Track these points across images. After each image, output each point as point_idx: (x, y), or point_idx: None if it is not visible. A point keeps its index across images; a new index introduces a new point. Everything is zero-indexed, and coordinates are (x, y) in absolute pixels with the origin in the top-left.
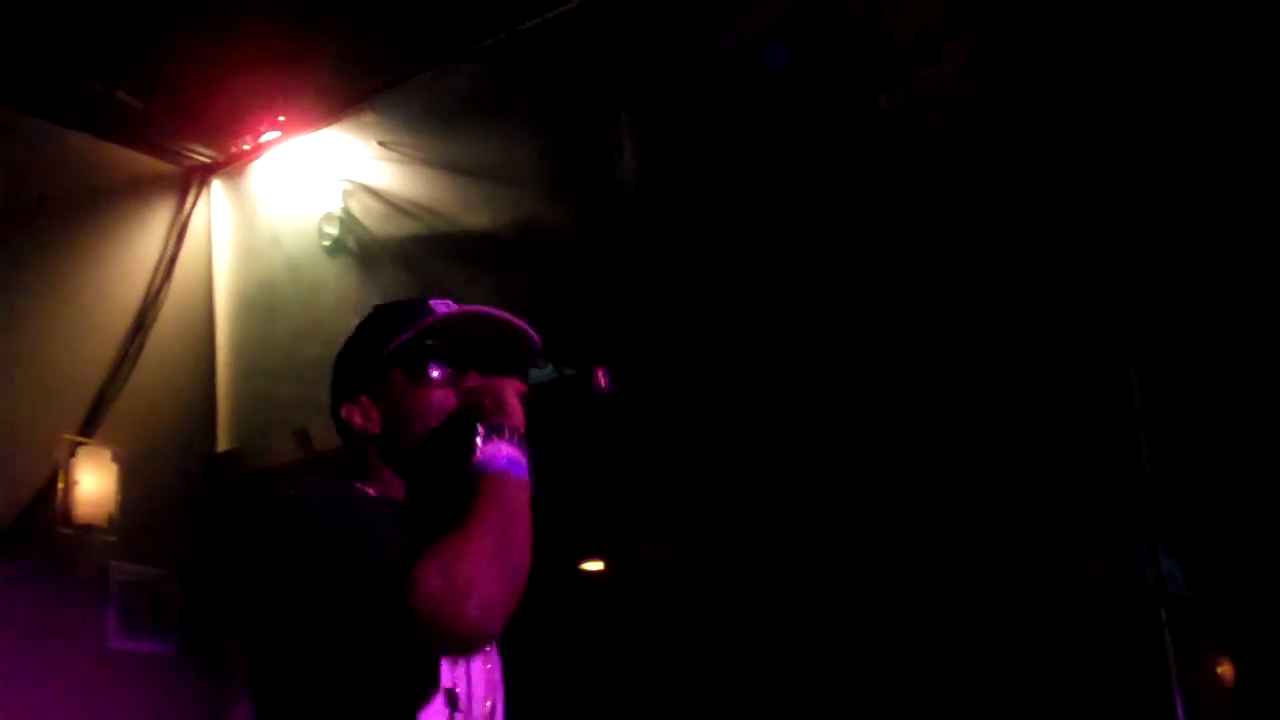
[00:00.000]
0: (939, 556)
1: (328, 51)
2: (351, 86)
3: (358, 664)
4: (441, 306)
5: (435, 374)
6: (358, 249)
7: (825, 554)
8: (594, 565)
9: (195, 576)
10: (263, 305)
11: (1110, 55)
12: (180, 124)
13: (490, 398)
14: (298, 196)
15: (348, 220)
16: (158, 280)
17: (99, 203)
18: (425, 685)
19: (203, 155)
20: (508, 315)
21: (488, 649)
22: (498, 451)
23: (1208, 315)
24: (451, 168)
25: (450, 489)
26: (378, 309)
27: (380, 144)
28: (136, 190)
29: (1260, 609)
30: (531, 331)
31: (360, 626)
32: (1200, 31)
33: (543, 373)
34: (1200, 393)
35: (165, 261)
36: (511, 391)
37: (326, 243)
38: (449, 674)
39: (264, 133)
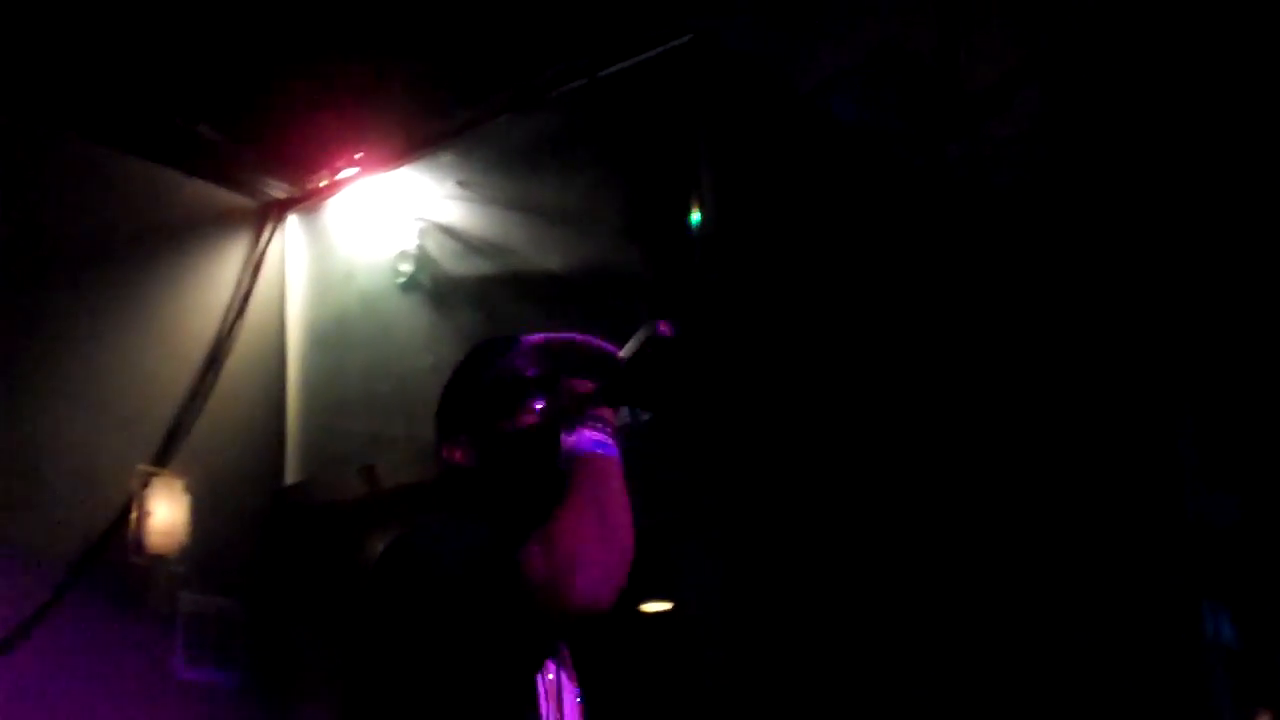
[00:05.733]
0: (993, 609)
1: (406, 91)
2: (429, 127)
3: (479, 663)
4: (530, 340)
5: (527, 402)
6: (432, 287)
7: (886, 602)
8: (658, 607)
9: (261, 607)
10: (335, 340)
11: (1177, 109)
12: (259, 159)
13: (566, 397)
14: (373, 233)
15: (423, 258)
16: (232, 313)
17: (177, 236)
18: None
19: (280, 191)
20: (587, 339)
21: (574, 686)
22: (581, 437)
23: (1261, 368)
24: (528, 209)
25: (544, 491)
26: (474, 348)
27: (458, 184)
28: (214, 224)
29: None
30: (610, 348)
31: (479, 620)
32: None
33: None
34: (1250, 443)
35: (240, 295)
36: (586, 388)
37: (401, 280)
38: (545, 707)
39: (341, 170)
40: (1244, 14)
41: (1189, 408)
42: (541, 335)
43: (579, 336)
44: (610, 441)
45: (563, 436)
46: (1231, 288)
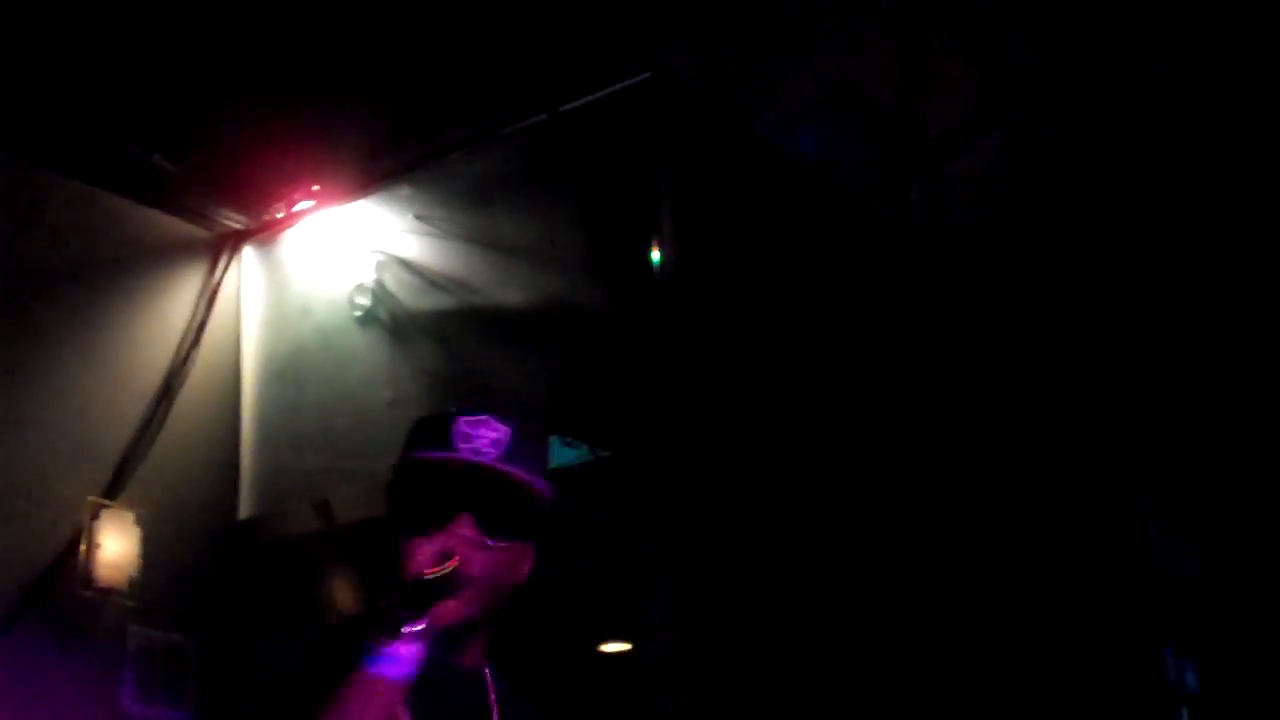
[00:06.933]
0: (959, 655)
1: (364, 125)
2: (387, 160)
3: None
4: (424, 437)
5: (405, 530)
6: (389, 321)
7: (853, 647)
8: (617, 647)
9: (211, 643)
10: (291, 374)
11: (1134, 153)
12: (215, 190)
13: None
14: (330, 266)
15: (380, 292)
16: (186, 345)
17: (131, 265)
18: None
19: (236, 222)
20: (440, 456)
21: None
22: (380, 648)
23: (1220, 418)
24: (487, 244)
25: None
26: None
27: (416, 218)
28: (169, 254)
29: (1272, 706)
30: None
31: None
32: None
33: (576, 454)
34: (1210, 493)
35: (194, 327)
36: (420, 557)
37: (358, 314)
38: None
39: (298, 202)
40: (1198, 56)
41: (1150, 457)
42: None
43: (426, 456)
44: (406, 656)
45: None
46: (1191, 336)
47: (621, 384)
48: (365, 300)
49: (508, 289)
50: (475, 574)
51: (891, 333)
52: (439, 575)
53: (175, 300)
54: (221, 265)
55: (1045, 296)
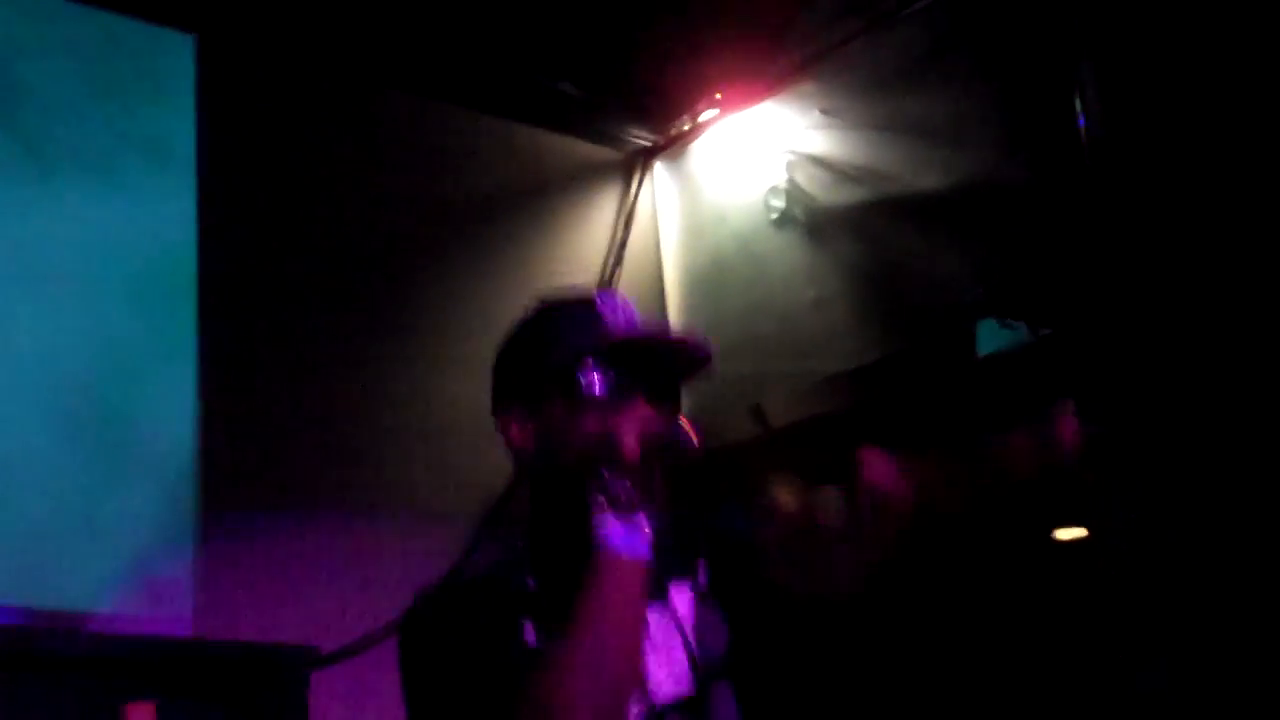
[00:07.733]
0: None
1: (763, 24)
2: (788, 57)
3: None
4: (611, 314)
5: (592, 398)
6: (805, 220)
7: None
8: (1070, 533)
9: None
10: (712, 282)
11: None
12: (620, 110)
13: (605, 446)
14: (741, 172)
15: (793, 191)
16: (609, 266)
17: (550, 193)
18: None
19: (644, 139)
20: (675, 335)
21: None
22: (610, 524)
23: None
24: (897, 130)
25: (573, 550)
26: (543, 309)
27: (822, 112)
28: (583, 179)
29: None
30: (699, 348)
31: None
32: None
33: (1014, 335)
34: None
35: (615, 247)
36: (631, 432)
37: (773, 216)
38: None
39: (703, 112)
40: None
41: None
42: (621, 321)
43: (657, 333)
44: (637, 532)
45: (594, 500)
46: None
47: (1053, 260)
48: (779, 202)
49: (924, 174)
50: None
51: None
52: (671, 439)
53: (594, 223)
54: (635, 184)
55: None
